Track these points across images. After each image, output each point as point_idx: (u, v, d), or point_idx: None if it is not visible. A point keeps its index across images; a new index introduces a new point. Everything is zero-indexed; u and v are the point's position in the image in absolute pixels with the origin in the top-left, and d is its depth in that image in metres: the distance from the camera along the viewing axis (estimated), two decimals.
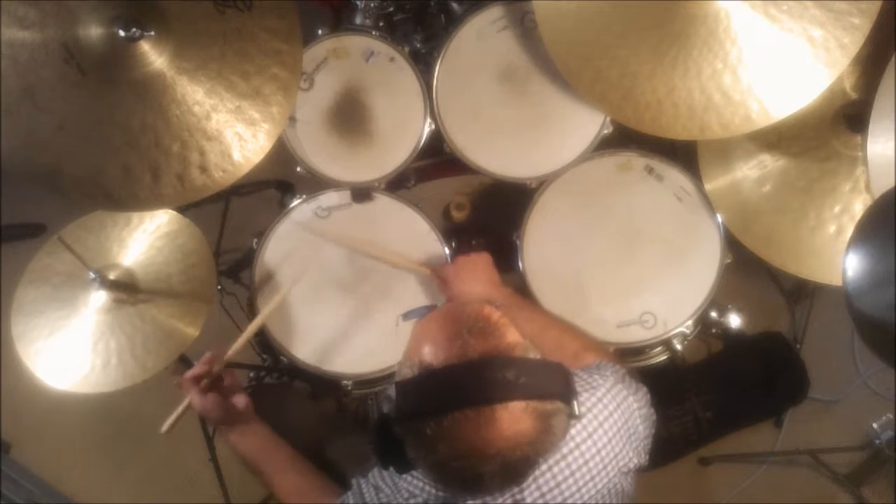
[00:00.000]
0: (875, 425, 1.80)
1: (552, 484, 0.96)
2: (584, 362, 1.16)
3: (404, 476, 0.99)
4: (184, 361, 1.48)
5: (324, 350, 1.54)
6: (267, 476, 1.27)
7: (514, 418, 0.81)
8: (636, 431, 1.05)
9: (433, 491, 0.96)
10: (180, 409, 1.27)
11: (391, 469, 0.93)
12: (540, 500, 0.96)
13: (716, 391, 1.87)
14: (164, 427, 1.27)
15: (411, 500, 0.97)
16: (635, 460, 1.04)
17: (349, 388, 1.51)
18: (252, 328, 1.41)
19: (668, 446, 1.86)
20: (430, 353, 0.85)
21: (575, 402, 0.87)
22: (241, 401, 1.29)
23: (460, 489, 0.91)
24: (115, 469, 2.09)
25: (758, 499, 1.92)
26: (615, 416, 1.02)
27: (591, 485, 0.98)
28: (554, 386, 0.86)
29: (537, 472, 0.95)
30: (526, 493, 0.96)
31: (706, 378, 1.89)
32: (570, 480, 0.97)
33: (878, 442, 1.79)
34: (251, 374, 1.76)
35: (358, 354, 1.52)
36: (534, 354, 0.87)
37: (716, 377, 1.90)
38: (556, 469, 0.96)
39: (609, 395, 1.03)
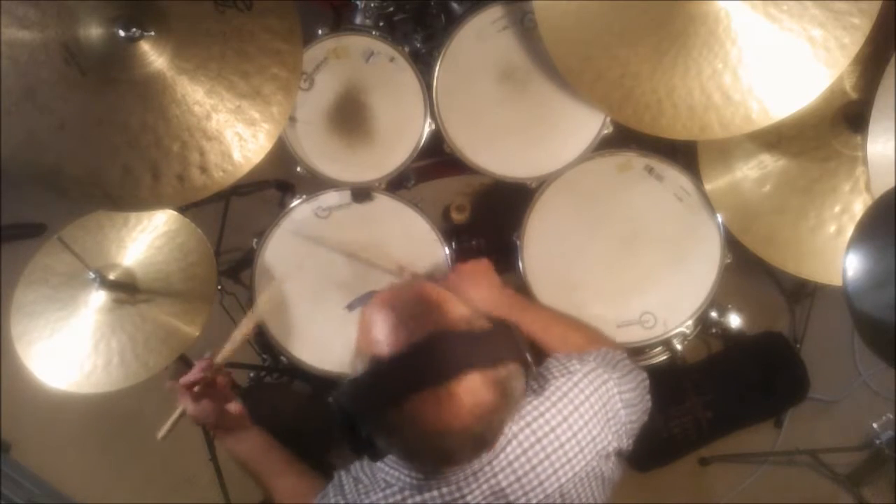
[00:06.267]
0: (875, 425, 1.80)
1: (527, 467, 0.97)
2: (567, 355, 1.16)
3: (381, 466, 1.00)
4: (184, 361, 1.48)
5: (323, 349, 1.54)
6: (264, 479, 1.27)
7: (471, 391, 0.83)
8: (616, 415, 1.04)
9: (407, 479, 0.97)
10: (175, 415, 1.27)
11: (366, 458, 0.94)
12: (515, 484, 0.97)
13: (716, 391, 1.87)
14: (161, 434, 1.27)
15: (387, 490, 0.98)
16: (615, 444, 1.04)
17: None
18: (239, 332, 1.37)
19: (668, 446, 1.86)
20: (378, 344, 0.86)
21: (527, 355, 0.88)
22: (234, 407, 1.30)
23: (433, 465, 0.94)
24: (115, 469, 2.09)
25: (758, 499, 1.91)
26: (592, 399, 1.02)
27: (567, 467, 0.99)
28: (503, 349, 0.87)
29: (512, 456, 0.96)
30: (500, 476, 0.96)
31: (706, 378, 1.89)
32: (546, 463, 0.97)
33: (878, 442, 1.79)
34: (251, 374, 1.76)
35: None
36: (480, 323, 0.88)
37: (716, 377, 1.90)
38: (530, 452, 0.97)
39: (585, 379, 1.03)
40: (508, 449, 0.96)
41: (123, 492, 2.05)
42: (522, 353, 0.89)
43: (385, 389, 0.84)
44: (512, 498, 0.97)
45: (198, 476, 1.95)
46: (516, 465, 0.97)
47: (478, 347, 0.85)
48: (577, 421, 1.00)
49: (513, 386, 0.87)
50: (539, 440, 0.98)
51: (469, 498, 0.96)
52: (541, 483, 0.97)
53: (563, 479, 0.99)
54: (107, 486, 2.05)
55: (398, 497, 0.97)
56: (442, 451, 0.88)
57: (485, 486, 0.96)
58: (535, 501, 0.97)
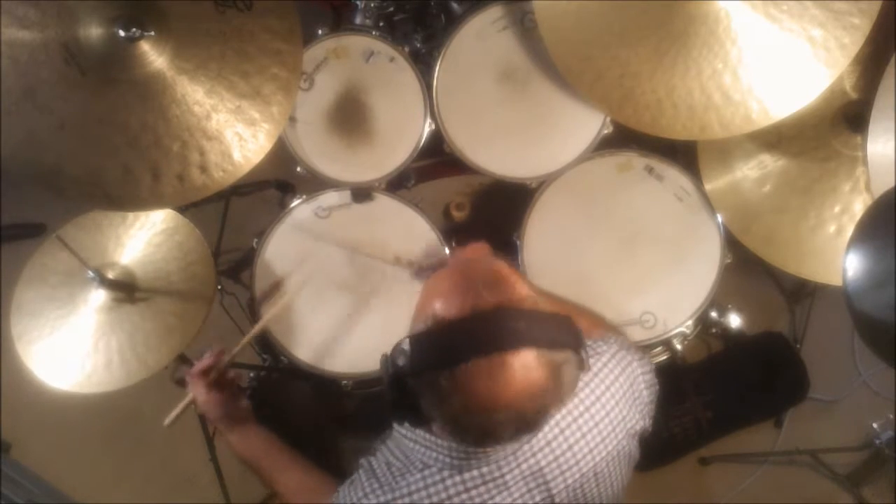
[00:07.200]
0: (875, 425, 1.80)
1: (564, 447, 0.98)
2: (591, 338, 1.16)
3: (414, 448, 0.99)
4: (183, 360, 1.48)
5: (324, 350, 1.54)
6: (269, 475, 1.27)
7: (525, 367, 0.82)
8: (640, 395, 1.07)
9: (446, 459, 0.96)
10: (184, 402, 1.28)
11: (406, 424, 0.94)
12: (553, 463, 0.98)
13: (716, 391, 1.87)
14: (167, 421, 1.28)
15: (426, 471, 0.98)
16: (641, 423, 1.06)
17: (349, 387, 1.51)
18: (256, 329, 1.41)
19: (668, 446, 1.86)
20: (443, 307, 0.86)
21: (583, 352, 0.88)
22: (242, 402, 1.31)
23: (475, 441, 0.93)
24: (115, 469, 2.09)
25: (758, 499, 1.92)
26: (621, 379, 1.04)
27: (601, 446, 1.00)
28: (563, 336, 0.87)
29: (550, 436, 0.97)
30: (539, 455, 0.97)
31: (706, 378, 1.89)
32: (582, 442, 0.99)
33: (878, 442, 1.79)
34: (251, 375, 1.76)
35: (358, 354, 1.52)
36: (543, 307, 0.89)
37: (716, 377, 1.91)
38: (567, 432, 0.98)
39: (614, 359, 1.05)
40: (546, 429, 0.97)
41: (123, 492, 2.05)
42: (580, 344, 0.88)
43: (443, 349, 0.84)
44: (549, 477, 0.98)
45: (198, 476, 1.95)
46: (554, 444, 0.98)
47: (539, 326, 0.85)
48: (608, 401, 1.02)
49: (565, 372, 0.87)
50: (575, 420, 0.99)
51: (508, 477, 0.97)
52: (577, 462, 0.99)
53: (597, 458, 1.00)
54: (107, 486, 2.05)
55: (437, 477, 0.97)
56: (486, 425, 0.87)
57: (524, 466, 0.97)
58: (570, 480, 0.99)
